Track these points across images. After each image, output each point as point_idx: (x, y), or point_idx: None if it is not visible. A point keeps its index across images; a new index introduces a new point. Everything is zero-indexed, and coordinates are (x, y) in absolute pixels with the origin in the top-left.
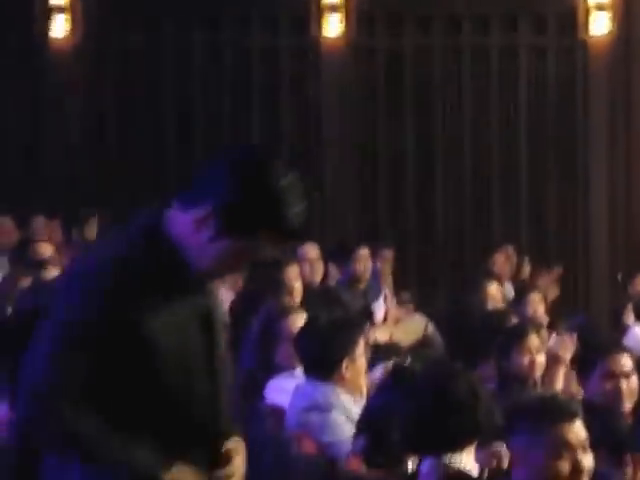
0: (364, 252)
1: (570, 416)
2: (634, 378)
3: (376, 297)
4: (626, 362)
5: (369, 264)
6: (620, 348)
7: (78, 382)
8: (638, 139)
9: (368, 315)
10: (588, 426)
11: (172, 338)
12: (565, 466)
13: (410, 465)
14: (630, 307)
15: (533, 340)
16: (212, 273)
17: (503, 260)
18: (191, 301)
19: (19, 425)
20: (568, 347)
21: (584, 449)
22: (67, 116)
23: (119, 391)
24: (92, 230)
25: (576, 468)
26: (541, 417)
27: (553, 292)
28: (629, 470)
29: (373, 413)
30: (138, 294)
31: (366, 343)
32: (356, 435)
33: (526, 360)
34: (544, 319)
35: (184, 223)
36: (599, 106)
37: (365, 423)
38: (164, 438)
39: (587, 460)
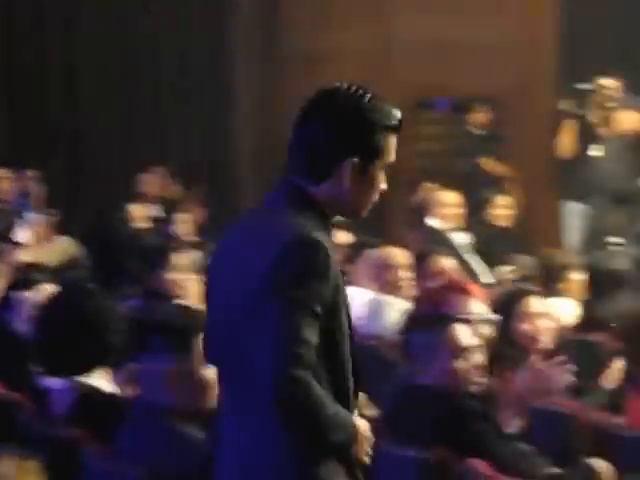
0: (2, 173)
1: (201, 330)
2: None
3: (22, 217)
4: None
5: (9, 185)
6: None
7: (313, 351)
8: (282, 57)
9: (10, 236)
10: None
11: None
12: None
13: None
14: None
15: (177, 259)
16: (365, 211)
17: (151, 180)
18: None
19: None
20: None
21: None
22: None
23: (322, 356)
24: None
25: (205, 378)
26: (181, 331)
27: (201, 213)
28: None
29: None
30: (334, 265)
31: (9, 264)
32: None
33: (171, 278)
34: (192, 238)
35: (330, 189)
36: (245, 27)
37: None
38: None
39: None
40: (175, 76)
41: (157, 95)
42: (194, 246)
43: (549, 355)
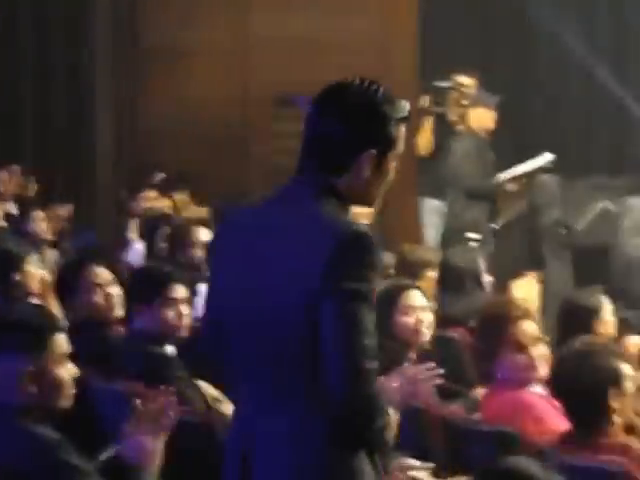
0: None
1: (55, 329)
2: (115, 288)
3: None
4: (102, 274)
5: None
6: (100, 261)
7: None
8: (143, 56)
9: None
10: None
11: None
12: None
13: None
14: (133, 223)
15: (33, 257)
16: (377, 201)
17: (6, 178)
18: None
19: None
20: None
21: (65, 361)
22: None
23: None
24: None
25: (59, 377)
26: (36, 330)
27: (59, 212)
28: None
29: None
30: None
31: None
32: None
33: (26, 277)
34: (48, 237)
35: (349, 181)
36: (105, 26)
37: None
38: None
39: (67, 372)
40: (33, 75)
41: (15, 93)
42: (50, 245)
43: (421, 354)
